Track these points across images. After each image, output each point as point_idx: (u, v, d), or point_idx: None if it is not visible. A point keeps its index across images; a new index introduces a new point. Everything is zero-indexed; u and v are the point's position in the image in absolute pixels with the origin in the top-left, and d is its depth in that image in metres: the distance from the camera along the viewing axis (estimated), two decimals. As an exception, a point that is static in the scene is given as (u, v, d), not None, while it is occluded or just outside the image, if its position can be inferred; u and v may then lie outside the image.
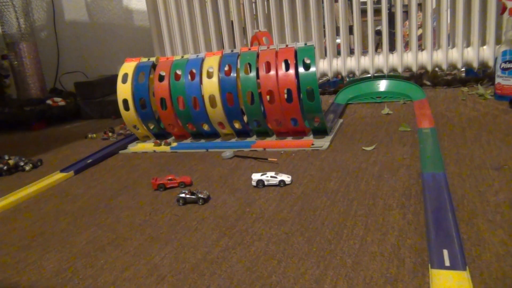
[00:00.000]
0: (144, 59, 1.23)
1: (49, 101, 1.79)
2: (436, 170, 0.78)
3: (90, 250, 0.66)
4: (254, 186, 0.83)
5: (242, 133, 1.18)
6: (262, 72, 1.06)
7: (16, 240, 0.72)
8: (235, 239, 0.64)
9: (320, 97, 1.18)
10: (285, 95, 1.05)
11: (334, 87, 1.78)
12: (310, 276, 0.52)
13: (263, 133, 1.16)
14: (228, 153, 1.04)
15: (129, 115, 1.21)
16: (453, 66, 1.56)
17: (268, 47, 1.10)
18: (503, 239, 0.55)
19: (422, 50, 1.58)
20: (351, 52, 1.69)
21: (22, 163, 1.14)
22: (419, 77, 1.68)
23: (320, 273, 0.53)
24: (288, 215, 0.69)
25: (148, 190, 0.89)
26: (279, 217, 0.69)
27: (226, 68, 1.10)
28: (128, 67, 1.21)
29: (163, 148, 1.17)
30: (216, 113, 1.11)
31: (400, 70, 1.59)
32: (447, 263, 0.50)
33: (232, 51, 1.14)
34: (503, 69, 1.26)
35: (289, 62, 1.04)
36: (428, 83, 1.65)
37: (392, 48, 1.60)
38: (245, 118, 1.14)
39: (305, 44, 1.07)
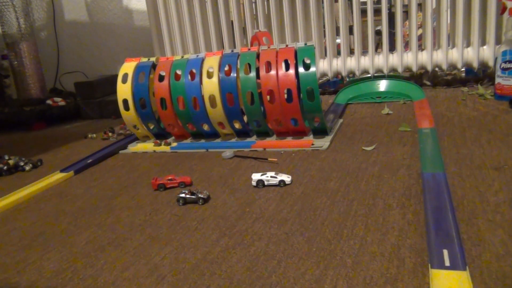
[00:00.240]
0: (144, 59, 1.23)
1: (49, 101, 1.79)
2: (436, 170, 0.78)
3: (90, 250, 0.66)
4: (254, 186, 0.83)
5: (242, 133, 1.18)
6: (262, 72, 1.06)
7: (16, 240, 0.72)
8: (235, 239, 0.64)
9: (320, 97, 1.18)
10: (285, 95, 1.05)
11: (334, 87, 1.78)
12: (310, 276, 0.52)
13: (263, 133, 1.16)
14: (228, 153, 1.04)
15: (129, 115, 1.21)
16: (453, 66, 1.56)
17: (268, 47, 1.10)
18: (503, 239, 0.55)
19: (422, 50, 1.58)
20: (351, 52, 1.69)
21: (22, 163, 1.14)
22: (419, 77, 1.68)
23: (320, 273, 0.53)
24: (288, 215, 0.69)
25: (148, 190, 0.89)
26: (279, 217, 0.69)
27: (226, 68, 1.10)
28: (128, 67, 1.21)
29: (163, 148, 1.17)
30: (216, 113, 1.11)
31: (400, 70, 1.59)
32: (447, 263, 0.50)
33: (232, 51, 1.14)
34: (503, 69, 1.26)
35: (289, 62, 1.04)
36: (428, 83, 1.65)
37: (392, 48, 1.60)
38: (245, 118, 1.14)
39: (305, 44, 1.07)
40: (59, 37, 2.30)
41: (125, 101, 1.19)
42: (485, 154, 0.86)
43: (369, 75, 1.64)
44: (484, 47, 1.51)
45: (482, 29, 1.49)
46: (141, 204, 0.81)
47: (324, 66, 1.66)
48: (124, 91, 1.19)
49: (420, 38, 1.60)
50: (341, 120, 1.26)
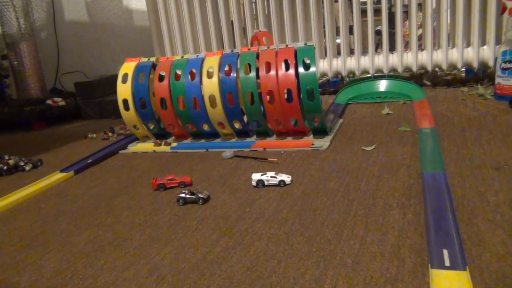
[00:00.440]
0: (144, 59, 1.23)
1: (49, 101, 1.79)
2: (436, 170, 0.78)
3: (90, 250, 0.66)
4: (254, 186, 0.83)
5: (242, 133, 1.18)
6: (262, 72, 1.06)
7: (16, 240, 0.72)
8: (235, 239, 0.64)
9: (320, 97, 1.18)
10: (285, 95, 1.05)
11: (334, 87, 1.78)
12: (310, 276, 0.52)
13: (263, 133, 1.16)
14: (228, 153, 1.04)
15: (129, 115, 1.21)
16: (453, 66, 1.56)
17: (268, 47, 1.10)
18: (503, 239, 0.55)
19: (422, 50, 1.58)
20: (351, 52, 1.69)
21: (22, 163, 1.14)
22: (419, 77, 1.68)
23: (320, 273, 0.53)
24: (288, 215, 0.69)
25: (148, 190, 0.89)
26: (279, 217, 0.69)
27: (226, 68, 1.10)
28: (128, 67, 1.21)
29: (163, 148, 1.17)
30: (216, 113, 1.11)
31: (400, 70, 1.59)
32: (447, 263, 0.50)
33: (232, 51, 1.14)
34: (503, 69, 1.26)
35: (289, 62, 1.04)
36: (428, 83, 1.65)
37: (392, 48, 1.60)
38: (245, 118, 1.14)
39: (305, 44, 1.07)
40: (59, 37, 2.30)
41: (125, 101, 1.19)
42: (485, 154, 0.86)
43: (369, 75, 1.64)
44: (484, 47, 1.51)
45: (482, 29, 1.49)
46: (141, 204, 0.81)
47: (324, 66, 1.66)
48: (124, 91, 1.19)
49: (420, 38, 1.60)
50: (341, 120, 1.26)
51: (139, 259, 0.61)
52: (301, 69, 1.03)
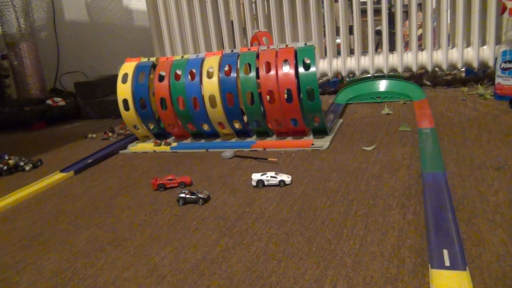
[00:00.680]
0: (144, 59, 1.23)
1: (49, 101, 1.79)
2: (436, 170, 0.78)
3: (90, 250, 0.66)
4: (254, 186, 0.83)
5: (242, 133, 1.18)
6: (262, 72, 1.06)
7: (16, 240, 0.72)
8: (235, 239, 0.64)
9: (320, 97, 1.18)
10: (285, 95, 1.05)
11: (334, 87, 1.78)
12: (310, 276, 0.52)
13: (263, 133, 1.16)
14: (228, 153, 1.04)
15: (129, 115, 1.21)
16: (453, 66, 1.56)
17: (268, 47, 1.10)
18: (503, 239, 0.55)
19: (422, 50, 1.58)
20: (351, 52, 1.69)
21: (22, 163, 1.14)
22: (419, 77, 1.68)
23: (320, 273, 0.53)
24: (288, 215, 0.69)
25: (148, 190, 0.89)
26: (279, 217, 0.69)
27: (226, 68, 1.10)
28: (128, 67, 1.21)
29: (163, 148, 1.17)
30: (216, 113, 1.11)
31: (400, 70, 1.59)
32: (447, 263, 0.50)
33: (232, 51, 1.14)
34: (503, 69, 1.26)
35: (289, 62, 1.04)
36: (428, 83, 1.65)
37: (392, 48, 1.60)
38: (245, 118, 1.14)
39: (305, 44, 1.07)
40: (59, 37, 2.30)
41: (125, 101, 1.19)
42: (485, 154, 0.86)
43: (369, 75, 1.64)
44: (484, 47, 1.51)
45: (482, 29, 1.49)
46: (141, 204, 0.81)
47: (324, 66, 1.66)
48: (124, 91, 1.19)
49: (420, 38, 1.60)
50: (341, 120, 1.26)
51: (139, 259, 0.61)
52: (301, 69, 1.03)
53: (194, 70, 1.13)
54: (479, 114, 1.16)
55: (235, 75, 1.08)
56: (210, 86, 1.10)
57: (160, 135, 1.26)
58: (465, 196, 0.68)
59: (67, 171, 1.06)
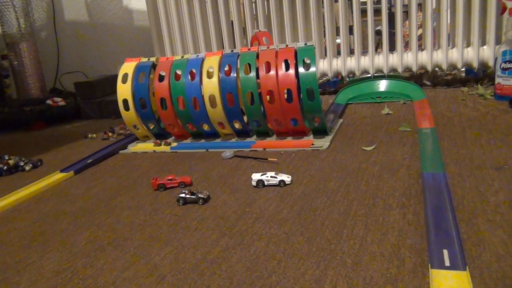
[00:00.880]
0: (144, 59, 1.23)
1: (49, 101, 1.79)
2: (436, 170, 0.78)
3: (90, 250, 0.66)
4: (254, 186, 0.83)
5: (242, 133, 1.18)
6: (262, 72, 1.06)
7: (16, 240, 0.72)
8: (235, 239, 0.64)
9: (320, 97, 1.18)
10: (285, 95, 1.05)
11: (334, 87, 1.78)
12: (310, 276, 0.52)
13: (263, 133, 1.16)
14: (228, 153, 1.04)
15: (129, 115, 1.21)
16: (453, 66, 1.56)
17: (268, 47, 1.10)
18: (503, 239, 0.55)
19: (422, 50, 1.58)
20: (351, 52, 1.69)
21: (22, 163, 1.14)
22: (419, 77, 1.68)
23: (320, 273, 0.53)
24: (288, 215, 0.69)
25: (148, 190, 0.89)
26: (279, 217, 0.69)
27: (226, 68, 1.10)
28: (128, 67, 1.21)
29: (163, 148, 1.17)
30: (216, 113, 1.11)
31: (400, 70, 1.59)
32: (447, 263, 0.50)
33: (232, 51, 1.14)
34: (503, 69, 1.26)
35: (289, 62, 1.04)
36: (428, 83, 1.65)
37: (392, 48, 1.60)
38: (245, 118, 1.14)
39: (305, 44, 1.07)
40: (59, 37, 2.30)
41: (125, 101, 1.19)
42: (485, 154, 0.86)
43: (369, 75, 1.64)
44: (484, 47, 1.51)
45: (482, 29, 1.49)
46: (141, 204, 0.81)
47: (324, 66, 1.66)
48: (124, 91, 1.19)
49: (420, 38, 1.60)
50: (341, 120, 1.26)
51: (139, 259, 0.61)
52: (301, 69, 1.03)
53: (194, 70, 1.13)
54: (479, 114, 1.16)
55: (235, 75, 1.08)
56: (210, 86, 1.10)
57: (160, 135, 1.26)
58: (465, 196, 0.68)
59: (67, 171, 1.06)
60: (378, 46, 2.11)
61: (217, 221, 0.70)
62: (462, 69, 1.65)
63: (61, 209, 0.84)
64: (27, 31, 1.90)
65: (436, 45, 1.60)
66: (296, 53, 1.05)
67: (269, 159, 0.99)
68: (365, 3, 1.55)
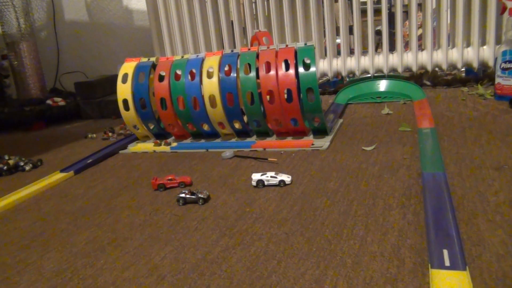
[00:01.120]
0: (144, 59, 1.23)
1: (49, 101, 1.79)
2: (436, 170, 0.78)
3: (90, 250, 0.66)
4: (254, 186, 0.83)
5: (242, 133, 1.18)
6: (262, 72, 1.06)
7: (16, 240, 0.72)
8: (235, 239, 0.64)
9: (320, 97, 1.18)
10: (285, 95, 1.05)
11: (334, 87, 1.78)
12: (310, 276, 0.52)
13: (263, 133, 1.16)
14: (228, 153, 1.04)
15: (129, 115, 1.21)
16: (453, 66, 1.56)
17: (268, 47, 1.10)
18: (503, 239, 0.55)
19: (422, 50, 1.58)
20: (351, 52, 1.69)
21: (22, 163, 1.14)
22: (419, 77, 1.68)
23: (320, 273, 0.53)
24: (288, 215, 0.69)
25: (148, 190, 0.89)
26: (279, 217, 0.69)
27: (226, 68, 1.10)
28: (128, 67, 1.21)
29: (163, 148, 1.17)
30: (216, 113, 1.11)
31: (400, 70, 1.59)
32: (447, 263, 0.50)
33: (232, 51, 1.14)
34: (503, 69, 1.26)
35: (289, 62, 1.04)
36: (428, 83, 1.65)
37: (392, 48, 1.60)
38: (245, 118, 1.14)
39: (305, 44, 1.07)
40: (59, 37, 2.30)
41: (125, 101, 1.19)
42: (485, 154, 0.86)
43: (369, 75, 1.64)
44: (484, 47, 1.51)
45: (482, 29, 1.49)
46: (141, 204, 0.81)
47: (324, 66, 1.66)
48: (124, 91, 1.19)
49: (420, 38, 1.60)
50: (341, 120, 1.26)
51: (139, 259, 0.61)
52: (301, 69, 1.03)
53: (194, 70, 1.13)
54: (479, 114, 1.16)
55: (235, 75, 1.08)
56: (210, 86, 1.10)
57: (160, 135, 1.26)
58: (465, 196, 0.68)
59: (67, 171, 1.06)
60: (378, 46, 2.11)
61: (217, 221, 0.70)
62: (462, 69, 1.65)
63: (61, 209, 0.84)
64: (27, 31, 1.90)
65: (436, 45, 1.60)
66: (296, 53, 1.05)
67: (269, 159, 0.99)
68: (365, 3, 1.55)
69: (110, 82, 1.90)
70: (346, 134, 1.12)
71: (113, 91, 1.24)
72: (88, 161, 1.12)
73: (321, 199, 0.74)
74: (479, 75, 1.60)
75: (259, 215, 0.71)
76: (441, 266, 0.50)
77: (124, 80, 1.19)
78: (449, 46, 1.55)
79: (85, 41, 2.27)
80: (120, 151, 1.22)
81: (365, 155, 0.94)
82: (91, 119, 1.83)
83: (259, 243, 0.61)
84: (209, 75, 1.11)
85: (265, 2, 1.66)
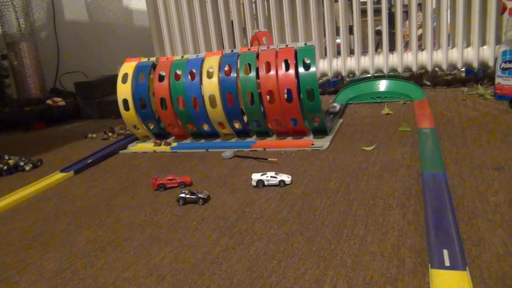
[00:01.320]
0: (144, 59, 1.23)
1: (49, 101, 1.79)
2: (436, 170, 0.78)
3: (90, 250, 0.66)
4: (254, 186, 0.83)
5: (242, 133, 1.18)
6: (262, 72, 1.06)
7: (16, 240, 0.72)
8: (235, 239, 0.64)
9: (320, 97, 1.18)
10: (285, 95, 1.05)
11: (334, 87, 1.78)
12: (310, 276, 0.52)
13: (263, 133, 1.16)
14: (228, 153, 1.04)
15: (129, 115, 1.21)
16: (453, 66, 1.56)
17: (268, 47, 1.10)
18: (503, 239, 0.55)
19: (422, 50, 1.58)
20: (351, 52, 1.69)
21: (22, 163, 1.14)
22: (419, 77, 1.68)
23: (320, 273, 0.53)
24: (288, 215, 0.69)
25: (148, 190, 0.89)
26: (279, 217, 0.69)
27: (226, 68, 1.10)
28: (128, 67, 1.21)
29: (163, 148, 1.17)
30: (216, 113, 1.11)
31: (400, 70, 1.59)
32: (447, 263, 0.50)
33: (232, 51, 1.14)
34: (503, 69, 1.26)
35: (289, 62, 1.04)
36: (428, 83, 1.65)
37: (392, 48, 1.60)
38: (245, 118, 1.14)
39: (305, 44, 1.07)
40: (59, 37, 2.30)
41: (125, 101, 1.19)
42: (485, 154, 0.86)
43: (369, 75, 1.64)
44: (484, 47, 1.51)
45: (482, 29, 1.49)
46: (141, 204, 0.81)
47: (324, 66, 1.66)
48: (124, 91, 1.19)
49: (420, 38, 1.60)
50: (341, 120, 1.26)
51: (139, 259, 0.61)
52: (301, 69, 1.03)
53: (194, 70, 1.13)
54: (479, 114, 1.16)
55: (235, 75, 1.08)
56: (210, 86, 1.10)
57: (160, 135, 1.26)
58: (465, 196, 0.68)
59: (67, 171, 1.06)
60: (378, 46, 2.11)
61: (217, 221, 0.70)
62: (462, 69, 1.65)
63: (61, 209, 0.84)
64: (27, 31, 1.90)
65: (436, 45, 1.60)
66: (296, 53, 1.05)
67: (269, 159, 0.99)
68: (365, 3, 1.55)
69: (110, 82, 1.90)
70: (346, 134, 1.12)
71: (113, 91, 1.24)
72: (88, 161, 1.12)
73: (321, 199, 0.74)
74: (479, 75, 1.61)
75: (259, 215, 0.71)
76: (441, 266, 0.50)
77: (124, 80, 1.19)
78: (449, 46, 1.55)
79: (85, 41, 2.27)
80: (120, 151, 1.22)
81: (365, 155, 0.94)
82: (91, 119, 1.83)
83: (259, 243, 0.61)
84: (209, 75, 1.11)
85: (265, 2, 1.66)
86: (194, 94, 1.11)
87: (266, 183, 0.82)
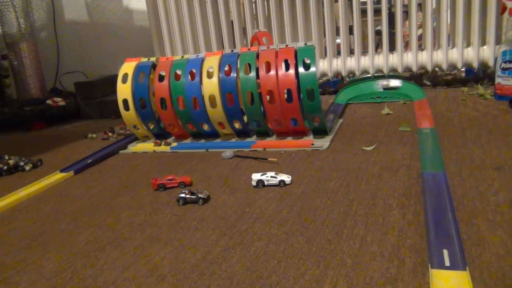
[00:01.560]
0: (144, 59, 1.23)
1: (49, 101, 1.79)
2: (436, 170, 0.78)
3: (90, 250, 0.66)
4: (254, 186, 0.83)
5: (242, 133, 1.18)
6: (262, 72, 1.06)
7: (16, 240, 0.72)
8: (235, 239, 0.64)
9: (320, 97, 1.18)
10: (285, 95, 1.05)
11: (334, 87, 1.78)
12: (310, 276, 0.52)
13: (263, 133, 1.16)
14: (228, 153, 1.04)
15: (129, 115, 1.21)
16: (453, 66, 1.56)
17: (268, 47, 1.10)
18: (503, 239, 0.55)
19: (422, 50, 1.58)
20: (351, 52, 1.69)
21: (22, 163, 1.14)
22: (419, 77, 1.68)
23: (320, 273, 0.53)
24: (288, 215, 0.69)
25: (148, 190, 0.89)
26: (279, 217, 0.69)
27: (226, 68, 1.10)
28: (128, 67, 1.21)
29: (163, 148, 1.17)
30: (216, 113, 1.11)
31: (400, 70, 1.59)
32: (447, 263, 0.50)
33: (232, 51, 1.14)
34: (503, 69, 1.26)
35: (289, 62, 1.04)
36: (428, 83, 1.65)
37: (392, 48, 1.60)
38: (245, 118, 1.14)
39: (305, 44, 1.07)
40: (59, 37, 2.30)
41: (125, 101, 1.19)
42: (485, 154, 0.86)
43: (369, 75, 1.64)
44: (484, 47, 1.51)
45: (482, 29, 1.49)
46: (141, 204, 0.81)
47: (324, 66, 1.66)
48: (124, 91, 1.19)
49: (420, 38, 1.60)
50: (341, 120, 1.26)
51: (139, 259, 0.61)
52: (301, 69, 1.03)
53: (194, 70, 1.13)
54: (479, 114, 1.16)
55: (235, 75, 1.08)
56: (210, 86, 1.10)
57: (160, 135, 1.26)
58: (465, 196, 0.68)
59: (67, 171, 1.06)
60: (378, 46, 2.11)
61: (217, 221, 0.70)
62: (462, 69, 1.65)
63: (61, 209, 0.84)
64: (27, 31, 1.90)
65: (436, 45, 1.60)
66: (296, 53, 1.05)
67: (269, 159, 0.99)
68: (365, 3, 1.55)
69: (110, 82, 1.90)
70: (346, 134, 1.12)
71: (113, 91, 1.24)
72: (88, 161, 1.12)
73: (321, 199, 0.74)
74: (479, 75, 1.60)
75: (259, 215, 0.71)
76: (441, 266, 0.50)
77: (124, 80, 1.19)
78: (449, 46, 1.55)
79: (85, 41, 2.27)
80: (120, 151, 1.22)
81: (365, 155, 0.94)
82: (91, 119, 1.84)
83: (259, 243, 0.61)
84: (209, 75, 1.11)
85: (265, 2, 1.66)
86: (194, 94, 1.11)
87: (266, 183, 0.82)
